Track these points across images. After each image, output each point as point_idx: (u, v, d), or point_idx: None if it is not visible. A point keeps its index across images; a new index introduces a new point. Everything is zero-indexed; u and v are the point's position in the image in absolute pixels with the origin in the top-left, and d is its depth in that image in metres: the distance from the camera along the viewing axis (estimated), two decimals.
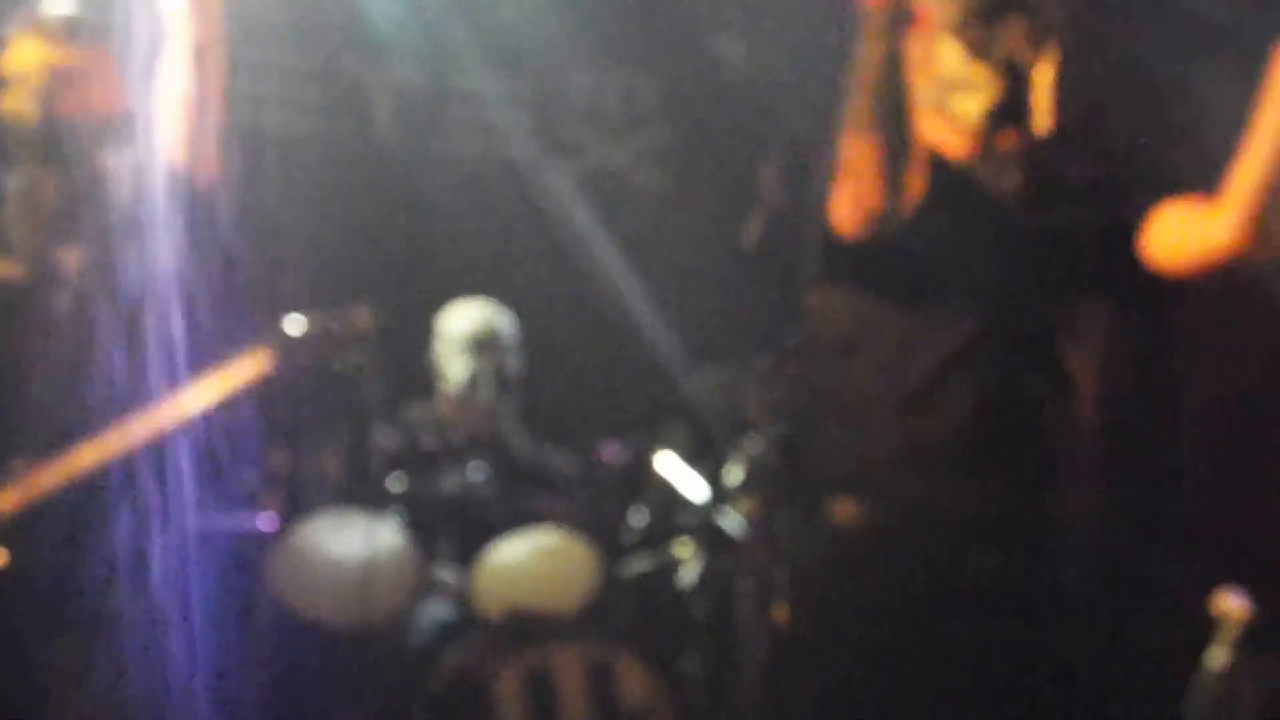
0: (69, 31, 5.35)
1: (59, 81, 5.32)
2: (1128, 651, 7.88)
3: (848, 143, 4.46)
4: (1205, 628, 7.01)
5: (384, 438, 7.75)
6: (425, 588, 7.52)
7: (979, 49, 4.67)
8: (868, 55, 4.44)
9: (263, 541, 7.28)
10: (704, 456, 7.75)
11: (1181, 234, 4.56)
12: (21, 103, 5.31)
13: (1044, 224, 4.71)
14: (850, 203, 4.46)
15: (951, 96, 4.69)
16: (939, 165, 4.66)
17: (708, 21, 8.86)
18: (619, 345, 8.46)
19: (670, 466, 7.69)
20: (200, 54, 5.29)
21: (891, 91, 4.43)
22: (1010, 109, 4.68)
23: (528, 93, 9.08)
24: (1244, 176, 4.38)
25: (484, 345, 8.04)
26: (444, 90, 9.17)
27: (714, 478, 7.54)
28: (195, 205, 5.33)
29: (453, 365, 8.05)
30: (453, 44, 8.81)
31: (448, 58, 8.95)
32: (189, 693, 7.01)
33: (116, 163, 5.43)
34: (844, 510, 4.69)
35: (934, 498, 4.66)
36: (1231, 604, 6.84)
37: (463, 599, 7.51)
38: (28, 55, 5.36)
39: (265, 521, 7.37)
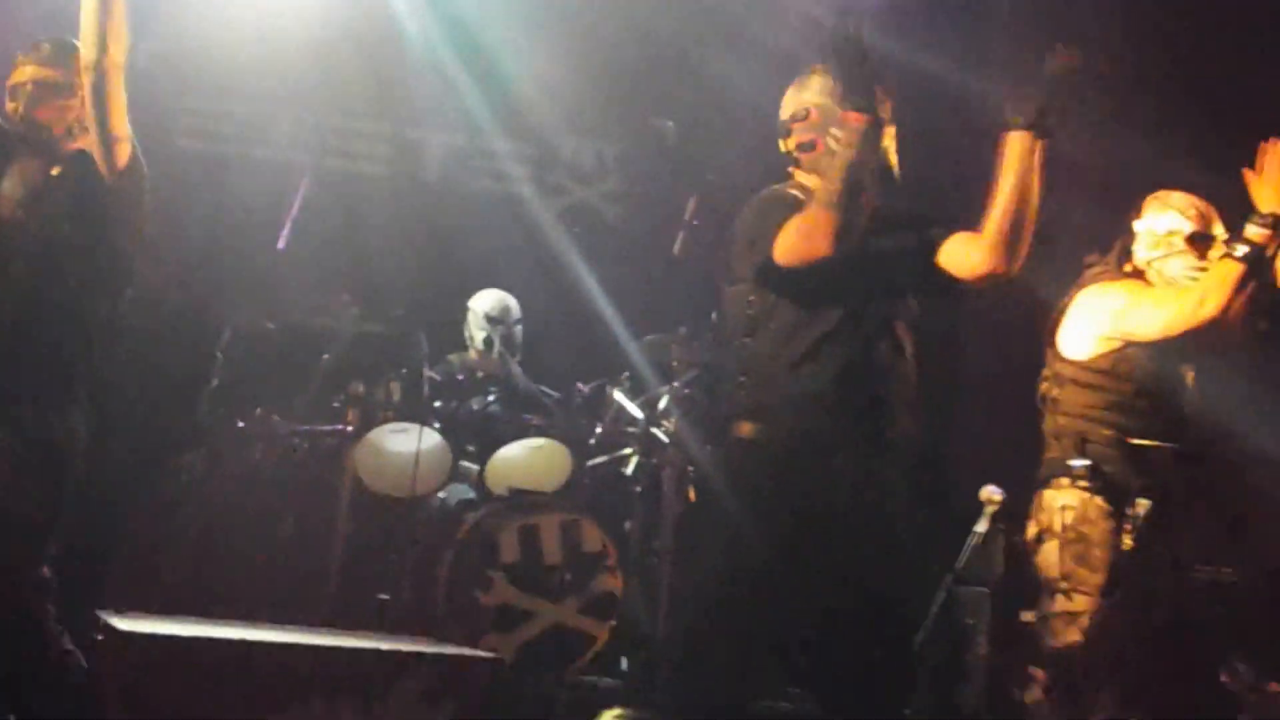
0: (49, 54, 5.49)
1: (40, 91, 5.45)
2: (926, 525, 8.41)
3: (816, 211, 4.61)
4: (974, 506, 7.63)
5: (432, 375, 7.86)
6: (454, 474, 7.80)
7: None
8: (855, 159, 4.54)
9: (346, 440, 7.57)
10: (642, 392, 7.96)
11: (960, 255, 4.78)
12: (17, 106, 5.42)
13: (884, 244, 4.85)
14: (802, 249, 4.62)
15: None
16: None
17: (651, 108, 9.26)
18: (587, 321, 8.53)
19: (621, 397, 7.92)
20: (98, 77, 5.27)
21: (861, 182, 4.55)
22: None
23: (529, 151, 9.35)
24: (992, 220, 4.64)
25: (496, 319, 8.33)
26: (471, 148, 9.39)
27: (650, 405, 7.80)
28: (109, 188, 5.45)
29: (477, 331, 8.38)
30: (478, 117, 8.98)
31: (474, 126, 9.12)
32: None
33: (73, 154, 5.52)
34: (745, 429, 4.87)
35: (810, 425, 4.82)
36: (991, 491, 7.41)
37: (479, 482, 7.86)
38: (24, 72, 5.50)
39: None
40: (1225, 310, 5.33)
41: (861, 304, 4.90)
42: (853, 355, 4.86)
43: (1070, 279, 5.92)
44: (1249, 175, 5.37)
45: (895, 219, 5.02)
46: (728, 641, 4.88)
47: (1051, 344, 5.80)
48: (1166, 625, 5.74)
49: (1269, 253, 5.31)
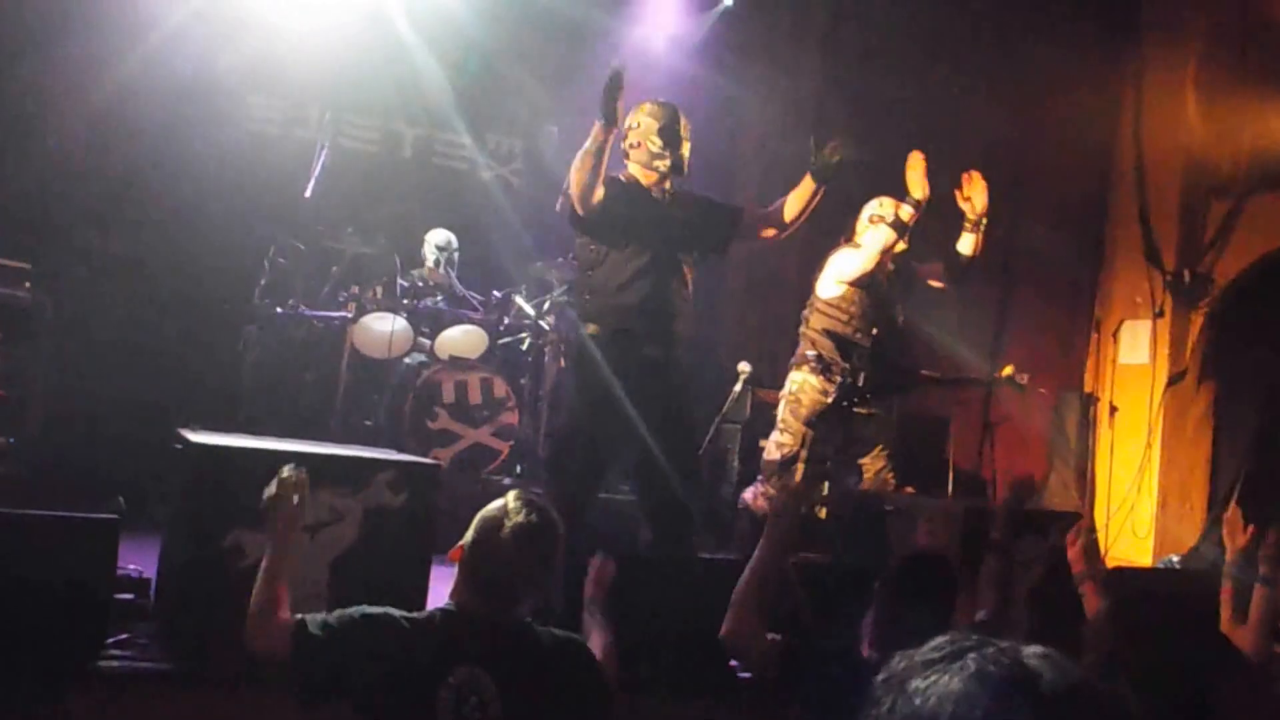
0: None
1: None
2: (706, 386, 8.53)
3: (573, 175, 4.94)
4: (734, 374, 7.80)
5: (401, 282, 7.86)
6: (414, 345, 7.77)
7: None
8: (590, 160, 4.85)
9: (346, 322, 7.49)
10: (534, 297, 7.95)
11: (764, 221, 5.33)
12: None
13: (675, 213, 5.15)
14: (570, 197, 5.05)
15: None
16: None
17: (542, 117, 9.29)
18: (501, 250, 8.61)
19: (520, 301, 7.88)
20: None
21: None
22: None
23: (469, 141, 9.27)
24: (790, 213, 5.17)
25: (443, 247, 8.28)
26: (433, 138, 9.31)
27: (538, 306, 7.80)
28: None
29: (430, 255, 8.28)
30: (438, 116, 9.02)
31: (436, 122, 9.14)
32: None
33: None
34: (590, 328, 5.07)
35: (628, 326, 5.03)
36: (744, 365, 7.51)
37: (430, 351, 7.79)
38: None
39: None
40: (880, 257, 5.79)
41: (661, 251, 5.09)
42: (655, 283, 5.05)
43: (826, 248, 6.19)
44: (957, 193, 5.72)
45: (685, 198, 5.26)
46: (580, 455, 5.12)
47: (812, 286, 6.08)
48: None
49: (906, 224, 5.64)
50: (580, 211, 4.99)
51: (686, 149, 5.20)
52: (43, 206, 7.12)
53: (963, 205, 5.90)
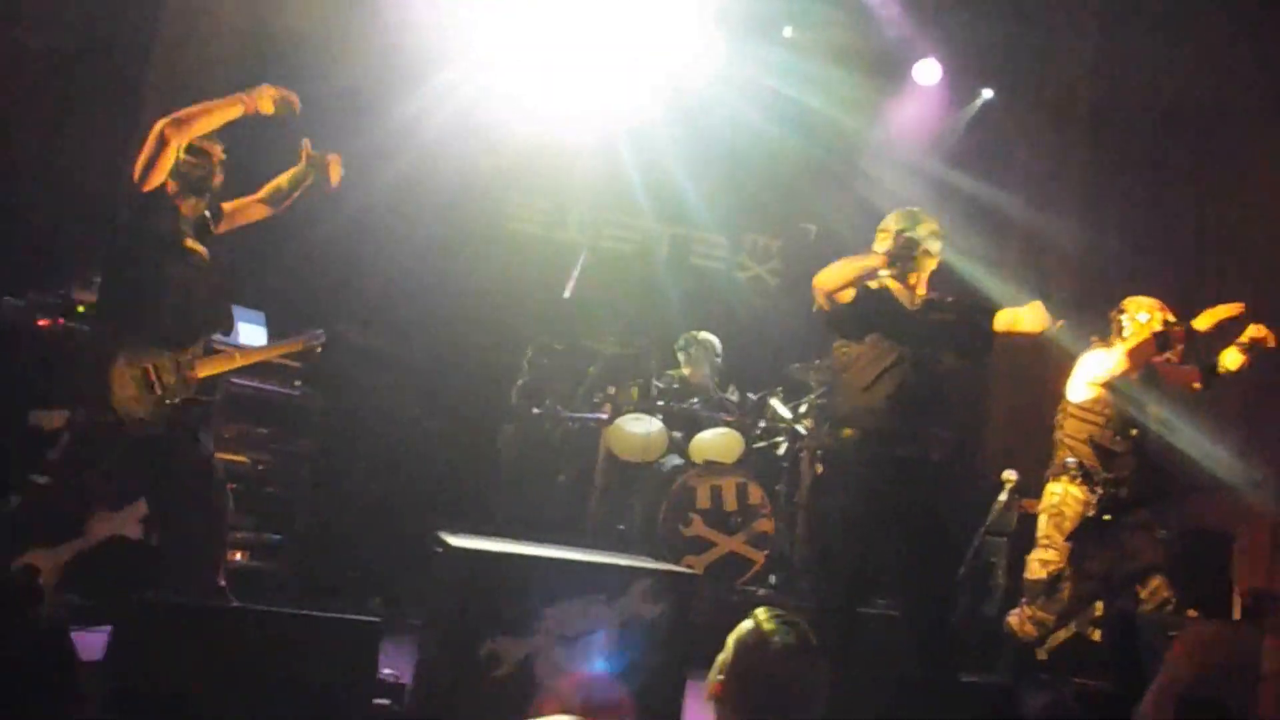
0: None
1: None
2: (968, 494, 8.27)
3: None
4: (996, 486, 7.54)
5: (658, 384, 7.87)
6: (670, 448, 7.70)
7: None
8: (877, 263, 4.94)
9: (602, 423, 7.65)
10: (791, 400, 7.91)
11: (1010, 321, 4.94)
12: None
13: (923, 316, 5.05)
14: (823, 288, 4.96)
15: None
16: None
17: (800, 214, 9.31)
18: (758, 351, 8.54)
19: (776, 404, 7.83)
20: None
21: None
22: None
23: (725, 240, 9.34)
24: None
25: (705, 348, 8.13)
26: (689, 237, 9.33)
27: (794, 409, 7.78)
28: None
29: (685, 356, 8.18)
30: (694, 217, 9.05)
31: (691, 222, 9.17)
32: None
33: None
34: (843, 431, 4.99)
35: (878, 426, 4.89)
36: (1009, 474, 7.34)
37: (685, 454, 7.71)
38: None
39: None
40: (1131, 359, 5.54)
41: (911, 351, 4.97)
42: (903, 383, 4.91)
43: (1080, 349, 5.94)
44: (1221, 309, 5.44)
45: (940, 301, 5.15)
46: (841, 565, 4.94)
47: (1063, 390, 5.83)
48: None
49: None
50: (826, 306, 4.95)
51: (936, 247, 5.11)
52: (313, 303, 7.31)
53: (1252, 333, 5.60)
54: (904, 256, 4.99)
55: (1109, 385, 5.67)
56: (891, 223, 5.09)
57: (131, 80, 7.31)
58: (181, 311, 4.78)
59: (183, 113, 4.67)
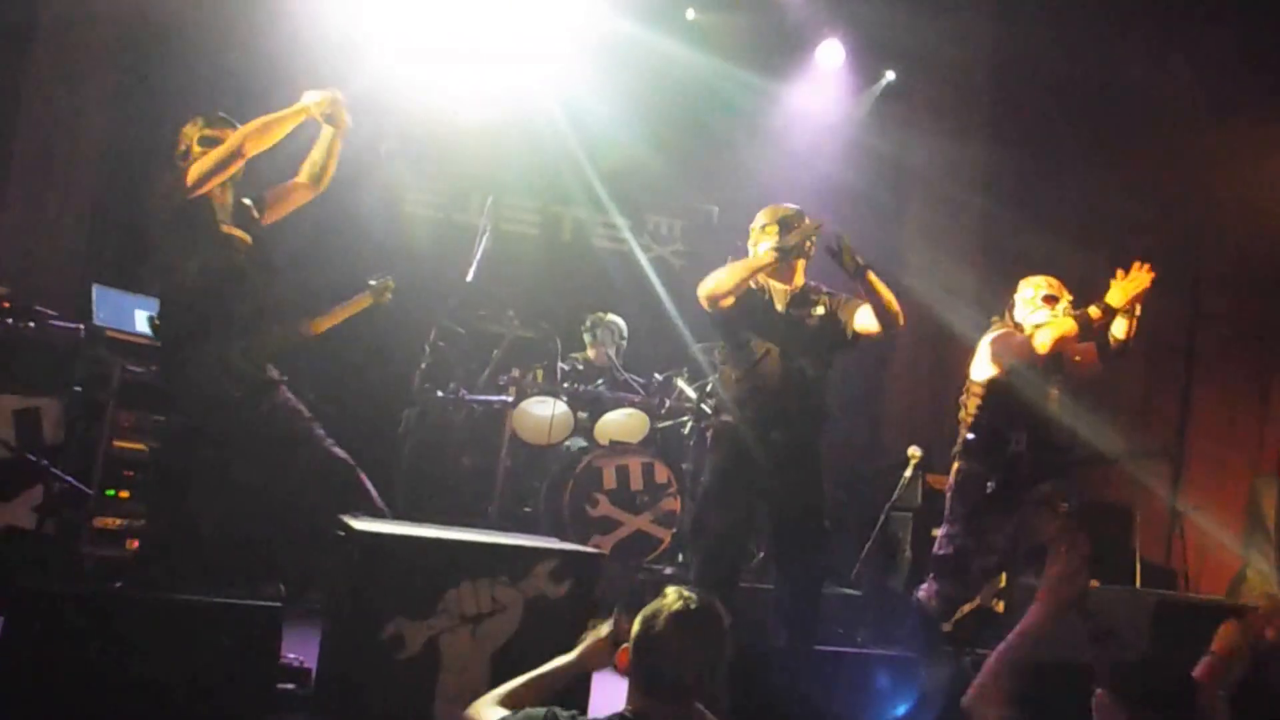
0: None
1: None
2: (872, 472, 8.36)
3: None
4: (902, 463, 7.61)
5: (563, 366, 7.87)
6: (575, 430, 7.77)
7: None
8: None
9: (507, 406, 7.71)
10: (696, 379, 7.72)
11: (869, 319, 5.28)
12: None
13: (792, 312, 5.41)
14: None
15: None
16: None
17: (701, 196, 9.28)
18: (662, 333, 8.34)
19: (681, 383, 7.74)
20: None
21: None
22: None
23: (629, 223, 9.32)
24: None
25: (609, 330, 8.30)
26: (593, 219, 9.31)
27: (700, 389, 7.53)
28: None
29: (592, 337, 8.31)
30: (598, 198, 8.99)
31: (595, 204, 9.08)
32: None
33: None
34: (725, 416, 5.40)
35: (753, 414, 5.28)
36: (914, 450, 7.42)
37: (590, 435, 7.77)
38: None
39: None
40: (1054, 345, 5.54)
41: (784, 345, 5.33)
42: (769, 375, 5.30)
43: (980, 330, 6.03)
44: (1119, 275, 5.52)
45: (808, 297, 5.49)
46: (707, 542, 5.32)
47: (967, 370, 5.91)
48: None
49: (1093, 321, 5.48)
50: (708, 308, 5.33)
51: (811, 245, 5.42)
52: (209, 291, 7.22)
53: (1117, 288, 5.69)
54: (789, 255, 5.33)
55: (1014, 366, 5.75)
56: (767, 218, 5.48)
57: (12, 67, 7.26)
58: (244, 297, 4.89)
59: (255, 125, 4.73)
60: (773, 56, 9.21)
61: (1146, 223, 8.07)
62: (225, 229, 4.87)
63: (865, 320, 5.34)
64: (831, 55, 9.47)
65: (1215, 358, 8.80)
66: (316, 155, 5.17)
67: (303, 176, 5.18)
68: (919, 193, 9.57)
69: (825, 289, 5.56)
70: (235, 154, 4.68)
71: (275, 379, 5.00)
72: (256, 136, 4.69)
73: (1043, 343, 5.58)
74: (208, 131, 4.86)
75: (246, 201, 5.00)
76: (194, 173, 4.68)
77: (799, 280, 5.49)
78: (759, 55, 9.06)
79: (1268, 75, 8.44)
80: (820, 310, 5.46)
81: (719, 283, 5.26)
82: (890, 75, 9.65)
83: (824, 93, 9.61)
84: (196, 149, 4.82)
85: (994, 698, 3.38)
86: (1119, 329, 5.71)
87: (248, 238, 4.93)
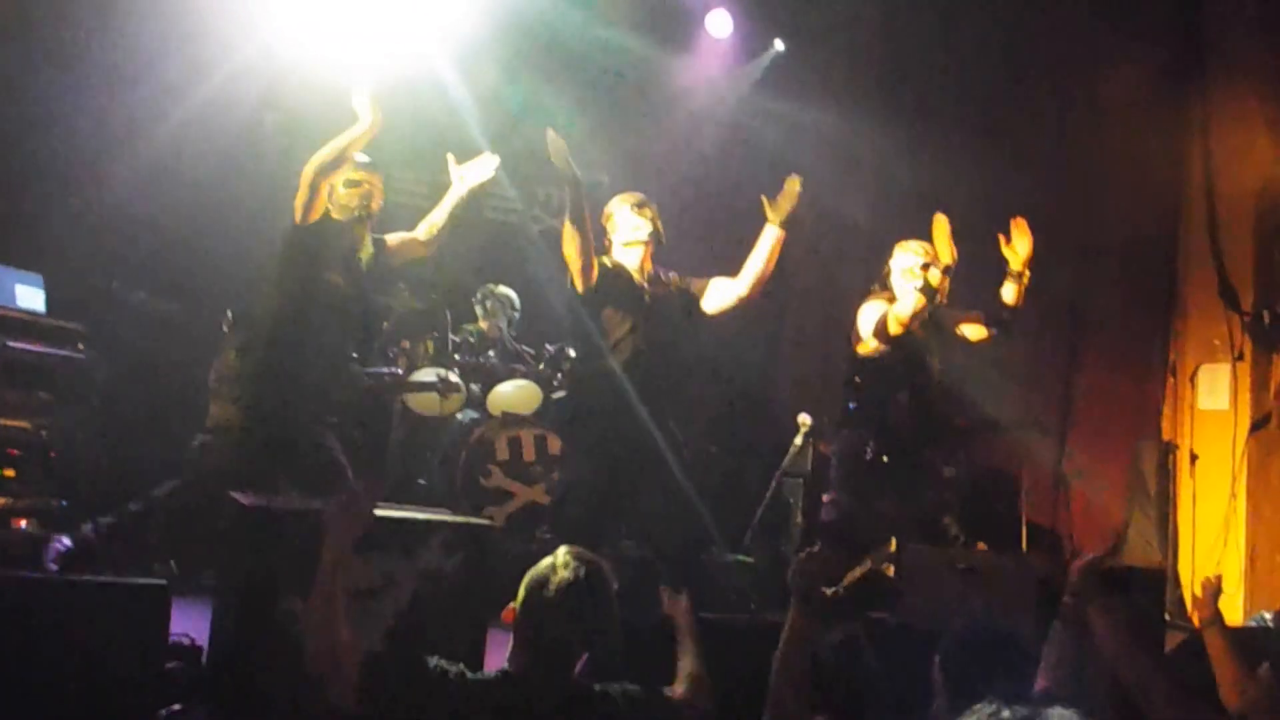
0: None
1: None
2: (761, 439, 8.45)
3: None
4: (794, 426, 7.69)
5: (453, 338, 7.95)
6: (467, 401, 7.74)
7: None
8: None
9: (398, 378, 7.72)
10: None
11: (726, 291, 5.65)
12: None
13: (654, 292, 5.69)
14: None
15: None
16: None
17: (592, 167, 9.44)
18: (552, 304, 8.25)
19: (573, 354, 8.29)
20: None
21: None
22: None
23: (519, 194, 9.14)
24: (752, 274, 5.48)
25: (500, 301, 8.32)
26: (483, 191, 8.89)
27: None
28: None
29: (483, 309, 8.30)
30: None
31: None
32: None
33: None
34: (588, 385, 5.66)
35: (615, 384, 5.46)
36: (804, 417, 7.54)
37: (482, 407, 7.78)
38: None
39: None
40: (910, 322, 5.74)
41: (640, 320, 5.56)
42: (635, 347, 5.52)
43: (858, 298, 6.13)
44: (1002, 239, 5.66)
45: (660, 281, 5.74)
46: (570, 510, 5.60)
47: (848, 337, 6.01)
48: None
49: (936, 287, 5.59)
50: (581, 291, 5.57)
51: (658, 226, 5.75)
52: (95, 266, 7.11)
53: (1006, 253, 5.83)
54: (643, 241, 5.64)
55: (891, 336, 5.86)
56: (623, 207, 5.83)
57: None
58: (335, 329, 5.42)
59: (324, 155, 5.27)
60: (660, 26, 9.20)
61: (1034, 193, 8.22)
62: (332, 277, 5.38)
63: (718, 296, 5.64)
64: (720, 25, 9.47)
65: (1100, 325, 8.99)
66: (442, 221, 5.88)
67: (423, 237, 5.83)
68: (808, 160, 9.62)
69: (672, 273, 5.80)
70: (313, 188, 5.24)
71: None
72: (330, 169, 5.23)
73: (897, 321, 5.72)
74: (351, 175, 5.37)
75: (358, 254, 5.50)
76: (297, 208, 5.26)
77: (648, 267, 5.72)
78: (648, 23, 9.07)
79: (1137, 43, 8.64)
80: (670, 290, 5.73)
81: (572, 259, 5.64)
82: (779, 45, 9.68)
83: (713, 62, 9.62)
84: (340, 191, 5.36)
85: None
86: (1008, 294, 5.85)
87: (343, 283, 5.43)
